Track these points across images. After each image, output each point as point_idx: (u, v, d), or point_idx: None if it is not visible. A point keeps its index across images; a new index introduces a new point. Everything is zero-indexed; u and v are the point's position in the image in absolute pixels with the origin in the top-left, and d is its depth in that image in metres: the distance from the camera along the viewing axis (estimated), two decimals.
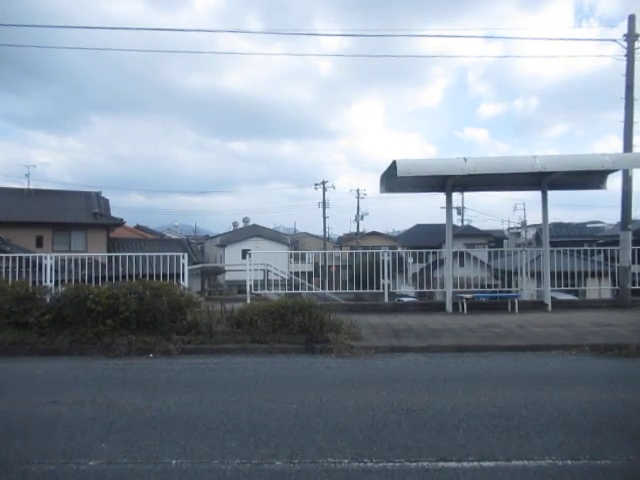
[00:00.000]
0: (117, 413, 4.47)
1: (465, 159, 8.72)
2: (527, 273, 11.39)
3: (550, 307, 10.29)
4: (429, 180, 10.27)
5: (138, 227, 46.38)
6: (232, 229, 65.12)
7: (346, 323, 7.68)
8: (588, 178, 10.31)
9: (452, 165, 8.99)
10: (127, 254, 10.93)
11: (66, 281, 9.51)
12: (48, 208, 27.78)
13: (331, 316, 7.62)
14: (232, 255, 48.15)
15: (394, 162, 8.76)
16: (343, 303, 11.39)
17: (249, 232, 56.63)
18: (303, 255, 51.01)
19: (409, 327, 8.43)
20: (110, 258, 12.14)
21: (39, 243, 25.77)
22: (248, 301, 9.77)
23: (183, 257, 10.52)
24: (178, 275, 10.38)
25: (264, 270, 13.35)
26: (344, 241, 59.39)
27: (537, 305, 10.56)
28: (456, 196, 41.90)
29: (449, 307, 10.24)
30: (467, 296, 10.27)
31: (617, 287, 11.29)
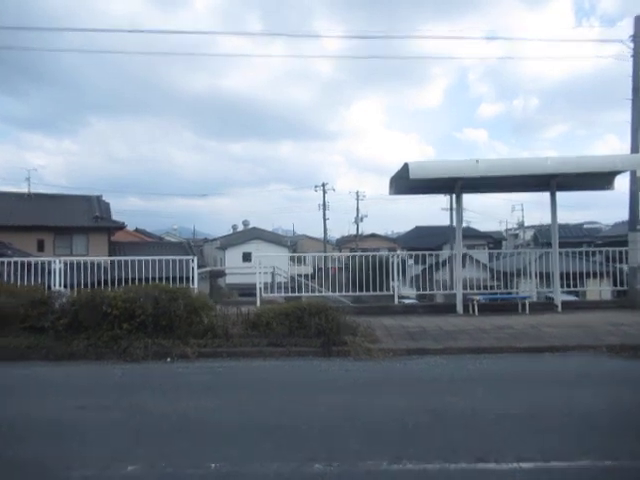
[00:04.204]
0: (145, 417, 4.47)
1: (477, 161, 8.75)
2: (536, 274, 11.42)
3: (560, 308, 10.31)
4: (439, 182, 10.28)
5: (137, 230, 46.24)
6: (231, 232, 65.03)
7: (362, 325, 7.67)
8: (596, 179, 10.34)
9: (464, 167, 9.01)
10: (136, 258, 10.62)
11: (75, 285, 9.49)
12: (49, 212, 27.70)
13: (346, 318, 7.61)
14: (233, 258, 48.05)
15: (406, 164, 8.78)
16: (353, 305, 11.37)
17: (249, 235, 56.52)
18: (305, 257, 50.75)
19: (423, 329, 8.43)
20: (113, 262, 12.09)
21: (40, 247, 25.66)
22: (258, 304, 9.76)
23: (193, 261, 10.48)
24: (187, 279, 10.33)
25: (271, 273, 13.36)
26: (343, 243, 59.39)
27: (546, 306, 10.58)
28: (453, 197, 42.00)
29: (460, 309, 10.24)
30: (477, 297, 10.29)
31: (618, 288, 11.36)
